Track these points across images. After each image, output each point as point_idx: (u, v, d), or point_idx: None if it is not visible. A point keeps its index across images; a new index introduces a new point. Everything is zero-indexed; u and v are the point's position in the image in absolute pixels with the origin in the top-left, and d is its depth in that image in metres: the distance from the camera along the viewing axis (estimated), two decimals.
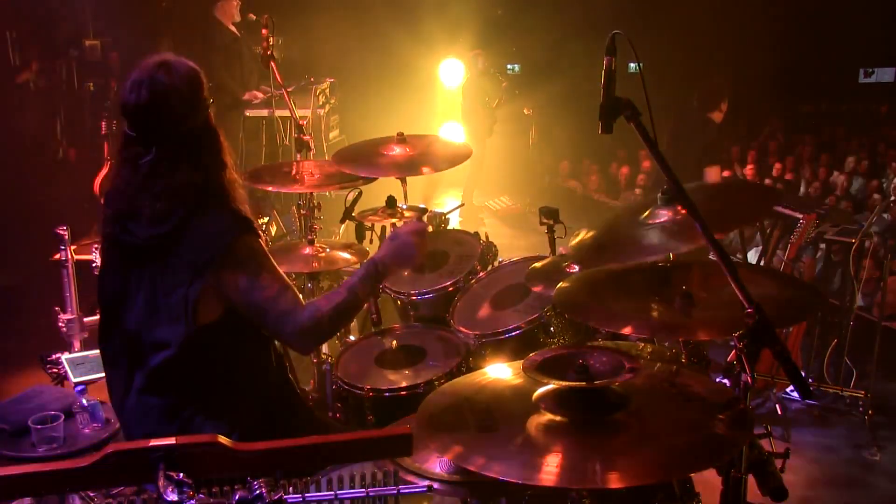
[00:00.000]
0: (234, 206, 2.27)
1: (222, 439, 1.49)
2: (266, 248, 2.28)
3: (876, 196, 7.90)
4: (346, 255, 3.56)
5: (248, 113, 7.30)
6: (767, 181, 8.97)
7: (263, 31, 3.88)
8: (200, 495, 1.43)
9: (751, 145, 10.51)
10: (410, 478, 2.04)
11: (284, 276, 2.27)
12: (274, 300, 2.19)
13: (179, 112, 2.18)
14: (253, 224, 2.27)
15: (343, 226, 4.29)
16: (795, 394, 4.34)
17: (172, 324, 2.19)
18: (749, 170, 9.25)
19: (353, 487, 1.63)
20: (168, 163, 2.18)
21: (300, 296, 2.27)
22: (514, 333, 2.95)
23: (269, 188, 3.84)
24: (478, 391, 2.00)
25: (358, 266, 3.56)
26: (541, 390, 1.89)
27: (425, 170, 3.74)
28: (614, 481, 1.63)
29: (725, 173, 8.53)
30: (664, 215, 2.39)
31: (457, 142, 4.29)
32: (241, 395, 2.30)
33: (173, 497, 1.38)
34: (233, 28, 6.99)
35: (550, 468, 1.65)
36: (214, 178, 2.26)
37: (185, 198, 2.18)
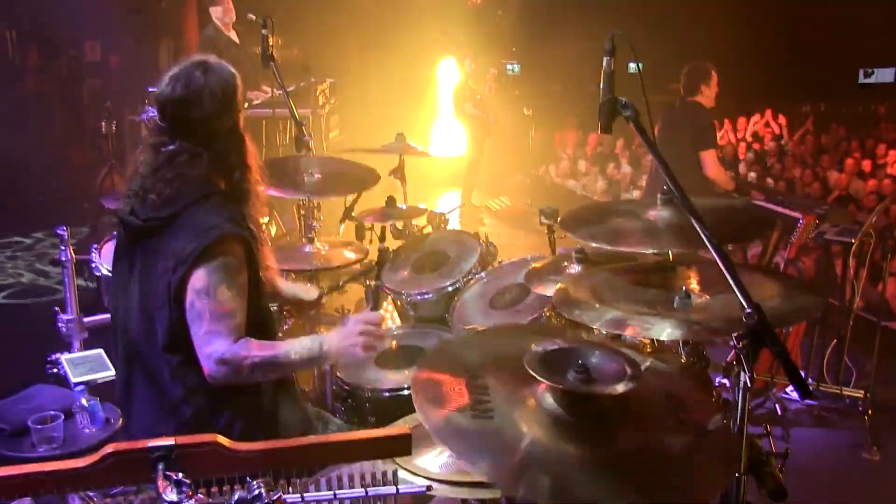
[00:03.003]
0: (234, 208, 2.28)
1: (222, 439, 1.50)
2: (245, 266, 2.22)
3: (874, 196, 7.91)
4: (346, 253, 3.55)
5: (248, 113, 7.29)
6: (769, 180, 8.98)
7: (263, 31, 3.88)
8: (200, 495, 1.43)
9: (750, 146, 10.52)
10: (410, 478, 2.04)
11: (242, 302, 2.19)
12: (214, 318, 2.12)
13: (208, 111, 2.25)
14: (244, 230, 2.24)
15: (343, 226, 4.29)
16: (795, 394, 4.34)
17: (159, 312, 2.20)
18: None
19: (352, 487, 1.63)
20: (189, 156, 2.24)
21: (243, 330, 2.18)
22: None
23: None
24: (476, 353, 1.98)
25: (358, 266, 3.57)
26: (541, 388, 1.88)
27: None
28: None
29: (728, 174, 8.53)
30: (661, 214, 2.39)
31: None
32: (237, 392, 2.29)
33: (173, 497, 1.38)
34: (231, 34, 6.92)
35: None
36: (233, 180, 2.31)
37: (193, 190, 2.22)
